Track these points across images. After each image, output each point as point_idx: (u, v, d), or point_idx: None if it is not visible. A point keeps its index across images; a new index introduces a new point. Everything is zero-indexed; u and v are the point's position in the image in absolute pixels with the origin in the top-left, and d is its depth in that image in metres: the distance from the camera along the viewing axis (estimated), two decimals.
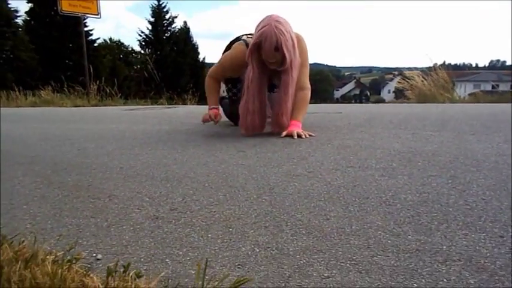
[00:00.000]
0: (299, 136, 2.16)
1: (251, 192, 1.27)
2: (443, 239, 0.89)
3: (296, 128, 2.23)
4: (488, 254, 0.81)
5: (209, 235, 0.96)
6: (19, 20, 26.32)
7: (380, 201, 1.13)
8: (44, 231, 1.03)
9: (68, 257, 0.78)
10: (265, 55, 2.11)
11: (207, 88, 2.54)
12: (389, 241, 0.89)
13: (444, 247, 0.85)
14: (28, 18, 27.08)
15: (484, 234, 0.90)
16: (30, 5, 26.94)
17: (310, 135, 2.19)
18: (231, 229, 0.99)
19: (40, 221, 1.10)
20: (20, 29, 25.58)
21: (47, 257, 0.76)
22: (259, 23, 2.14)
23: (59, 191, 1.37)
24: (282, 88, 2.23)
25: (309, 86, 2.36)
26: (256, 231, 0.97)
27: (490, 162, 1.51)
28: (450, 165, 1.49)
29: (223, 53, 2.55)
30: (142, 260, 0.85)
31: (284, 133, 2.21)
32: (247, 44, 2.28)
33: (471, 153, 1.68)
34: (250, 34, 2.39)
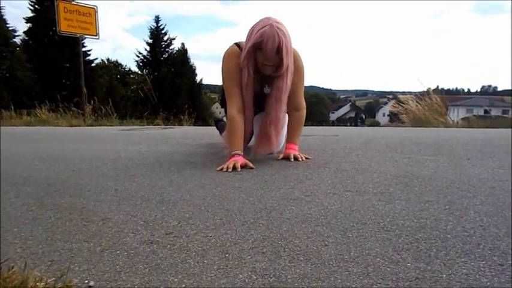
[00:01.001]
0: (296, 159, 2.12)
1: (248, 216, 1.25)
2: (443, 266, 0.87)
3: (293, 150, 2.18)
4: (488, 283, 0.80)
5: (205, 261, 0.94)
6: (17, 40, 26.53)
7: (378, 227, 1.12)
8: (34, 255, 1.00)
9: (60, 284, 0.76)
10: (265, 57, 1.95)
11: (231, 128, 2.11)
12: (388, 269, 0.87)
13: (444, 275, 0.83)
14: (26, 38, 27.29)
15: (483, 262, 0.89)
16: (28, 24, 27.22)
17: (307, 158, 2.16)
18: (227, 255, 0.97)
19: (31, 245, 1.07)
20: (17, 49, 25.74)
21: (37, 284, 0.74)
22: (256, 25, 1.99)
23: (52, 214, 1.35)
24: (273, 94, 2.06)
25: (304, 105, 2.26)
26: (253, 257, 0.95)
27: (486, 188, 1.50)
28: (447, 191, 1.48)
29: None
30: (136, 287, 0.83)
31: (280, 156, 2.17)
32: (238, 46, 2.12)
33: (467, 178, 1.68)
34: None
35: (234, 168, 1.94)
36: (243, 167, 1.98)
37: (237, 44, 2.15)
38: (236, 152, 2.05)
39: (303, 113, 2.25)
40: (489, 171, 1.80)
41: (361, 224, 1.15)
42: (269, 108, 2.09)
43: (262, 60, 1.97)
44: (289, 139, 2.23)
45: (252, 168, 1.97)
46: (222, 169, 1.96)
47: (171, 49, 35.93)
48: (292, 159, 2.11)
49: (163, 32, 35.50)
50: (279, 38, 1.90)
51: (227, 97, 2.16)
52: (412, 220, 1.17)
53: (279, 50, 1.92)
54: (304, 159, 2.14)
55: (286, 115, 2.29)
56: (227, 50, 2.16)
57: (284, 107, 2.11)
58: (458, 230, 1.08)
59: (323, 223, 1.17)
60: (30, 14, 27.21)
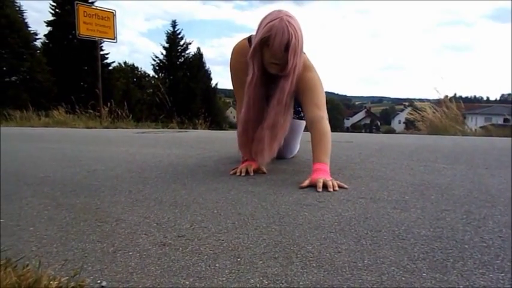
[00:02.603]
0: (325, 187, 1.61)
1: (260, 220, 1.24)
2: (460, 277, 0.85)
3: (322, 174, 1.69)
4: None
5: (217, 264, 0.93)
6: (38, 43, 27.15)
7: (393, 235, 1.10)
8: (49, 254, 1.01)
9: (72, 284, 0.76)
10: (272, 53, 1.74)
11: (241, 135, 1.98)
12: (403, 278, 0.85)
13: (461, 287, 0.81)
14: (47, 41, 27.92)
15: (502, 275, 0.86)
16: (49, 28, 27.84)
17: (341, 187, 1.64)
18: (239, 259, 0.96)
19: (46, 244, 1.08)
20: (38, 51, 26.33)
21: (51, 282, 0.74)
22: (265, 18, 1.78)
23: (67, 213, 1.36)
24: (276, 95, 1.83)
25: (325, 115, 1.88)
26: (265, 263, 0.94)
27: (506, 198, 1.47)
28: (464, 200, 1.45)
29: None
30: None
31: (306, 182, 1.67)
32: (249, 40, 1.93)
33: (485, 187, 1.64)
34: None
35: (247, 172, 1.92)
36: (256, 171, 1.95)
37: (249, 39, 1.95)
38: (250, 157, 1.98)
39: (325, 123, 1.86)
40: (508, 181, 1.75)
41: (375, 231, 1.13)
42: (269, 110, 1.86)
43: (269, 57, 1.77)
44: (316, 158, 1.77)
45: (264, 172, 1.94)
46: (235, 173, 1.93)
47: (187, 53, 36.30)
48: (320, 189, 1.59)
49: (179, 36, 35.94)
50: (289, 33, 1.70)
51: (236, 99, 2.07)
52: (428, 229, 1.14)
53: (287, 47, 1.72)
54: (336, 188, 1.61)
55: (300, 122, 2.23)
56: (236, 45, 2.01)
57: (288, 110, 1.87)
58: (476, 241, 1.05)
59: (336, 230, 1.15)
60: (51, 18, 27.84)
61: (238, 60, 1.96)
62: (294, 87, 1.84)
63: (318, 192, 1.57)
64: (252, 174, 1.91)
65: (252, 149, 1.93)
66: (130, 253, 1.01)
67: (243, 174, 1.90)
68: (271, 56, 1.76)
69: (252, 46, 1.81)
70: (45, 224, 1.26)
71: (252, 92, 1.85)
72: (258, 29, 1.79)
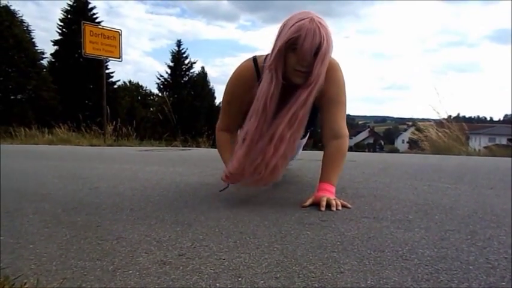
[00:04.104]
0: (329, 207, 1.56)
1: (262, 239, 1.23)
2: None
3: (327, 193, 1.62)
4: None
5: (217, 284, 0.92)
6: (44, 61, 27.59)
7: (396, 256, 1.08)
8: (48, 272, 1.00)
9: None
10: (300, 58, 1.50)
11: (218, 146, 1.95)
12: None
13: None
14: (53, 60, 28.36)
15: None
16: (56, 47, 28.31)
17: (345, 207, 1.60)
18: (240, 278, 0.95)
19: (45, 262, 1.07)
20: (44, 70, 26.73)
21: None
22: (290, 18, 1.54)
23: (67, 231, 1.35)
24: (290, 107, 1.57)
25: (346, 132, 1.73)
26: (266, 282, 0.92)
27: (511, 219, 1.45)
28: (469, 220, 1.43)
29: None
30: None
31: (309, 200, 1.62)
32: (255, 61, 1.74)
33: (490, 208, 1.62)
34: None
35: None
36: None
37: (254, 59, 1.75)
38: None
39: (345, 141, 1.72)
40: None
41: (378, 251, 1.12)
42: (277, 121, 1.58)
43: (294, 63, 1.52)
44: (324, 177, 1.66)
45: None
46: (225, 181, 1.74)
47: (192, 72, 36.69)
48: (323, 208, 1.54)
49: (184, 55, 36.37)
50: (321, 35, 1.47)
51: (222, 118, 1.89)
52: (432, 249, 1.13)
53: (317, 52, 1.49)
54: (339, 208, 1.57)
55: (301, 141, 2.06)
56: (240, 66, 1.78)
57: (298, 127, 1.60)
58: (481, 262, 1.04)
59: (339, 249, 1.14)
60: (58, 37, 28.34)
61: (241, 85, 1.75)
62: (313, 98, 1.58)
63: (321, 211, 1.55)
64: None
65: (245, 166, 1.62)
66: (130, 272, 1.00)
67: (226, 181, 1.73)
68: (298, 62, 1.51)
69: (275, 50, 1.53)
70: (45, 241, 1.25)
71: (269, 105, 1.57)
72: (281, 32, 1.55)
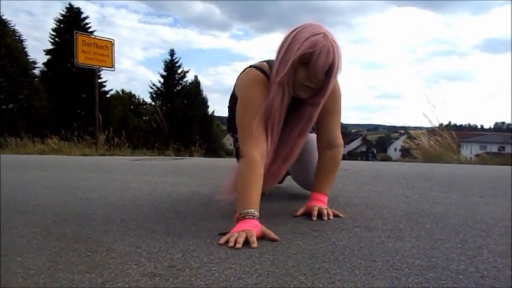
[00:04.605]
0: (320, 216, 1.55)
1: (253, 250, 1.22)
2: None
3: (319, 203, 1.62)
4: None
5: None
6: (36, 71, 27.50)
7: (387, 265, 1.08)
8: (35, 285, 0.99)
9: None
10: (311, 75, 1.43)
11: (245, 172, 1.46)
12: None
13: None
14: (45, 69, 28.26)
15: None
16: (48, 56, 28.24)
17: (336, 216, 1.60)
18: None
19: (33, 275, 1.06)
20: (36, 79, 26.63)
21: None
22: (302, 31, 1.45)
23: (57, 243, 1.34)
24: (299, 124, 1.57)
25: (341, 142, 1.73)
26: None
27: (501, 227, 1.46)
28: (459, 229, 1.44)
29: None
30: None
31: (301, 210, 1.62)
32: (262, 71, 1.59)
33: (480, 216, 1.63)
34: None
35: (246, 241, 1.26)
36: (261, 238, 1.31)
37: (256, 67, 1.61)
38: (250, 211, 1.37)
39: (340, 151, 1.72)
40: (503, 210, 1.75)
41: (369, 261, 1.12)
42: (286, 140, 1.58)
43: (304, 78, 1.45)
44: (317, 187, 1.66)
45: (275, 239, 1.31)
46: (228, 243, 1.27)
47: (185, 81, 36.73)
48: (315, 218, 1.54)
49: (177, 65, 36.42)
50: (334, 54, 1.42)
51: (244, 132, 1.53)
52: (422, 259, 1.13)
53: (329, 70, 1.45)
54: (331, 216, 1.58)
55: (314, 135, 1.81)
56: (250, 74, 1.61)
57: (304, 141, 1.64)
58: (471, 271, 1.04)
59: (330, 259, 1.14)
60: (50, 47, 28.28)
61: (258, 90, 1.55)
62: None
63: (313, 220, 1.55)
64: (255, 245, 1.24)
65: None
66: (119, 284, 0.99)
67: (239, 246, 1.23)
68: (307, 78, 1.44)
69: (289, 63, 1.44)
70: (34, 254, 1.24)
71: (277, 119, 1.51)
72: (290, 44, 1.46)
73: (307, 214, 1.60)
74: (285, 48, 1.47)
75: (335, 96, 1.66)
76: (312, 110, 1.55)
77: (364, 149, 71.67)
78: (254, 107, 1.52)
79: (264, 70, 1.59)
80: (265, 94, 1.53)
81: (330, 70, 1.44)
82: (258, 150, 1.48)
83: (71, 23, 26.42)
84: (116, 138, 8.79)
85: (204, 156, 7.84)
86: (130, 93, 38.68)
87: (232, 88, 1.78)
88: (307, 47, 1.40)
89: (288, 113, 1.56)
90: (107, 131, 9.03)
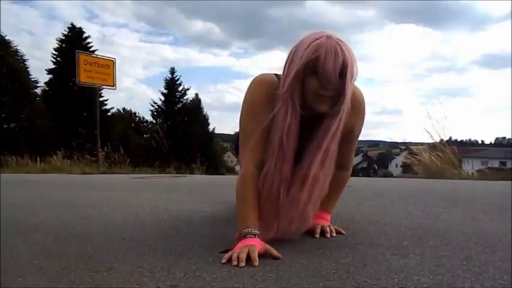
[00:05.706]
0: (323, 234, 1.54)
1: (256, 269, 1.21)
2: None
3: (322, 220, 1.60)
4: None
5: None
6: (38, 90, 27.72)
7: (392, 283, 1.07)
8: None
9: None
10: (323, 81, 1.27)
11: (241, 188, 1.40)
12: None
13: None
14: (47, 88, 28.47)
15: None
16: (49, 76, 28.48)
17: (339, 233, 1.59)
18: None
19: None
20: (38, 98, 26.80)
21: None
22: (302, 41, 1.32)
23: (57, 263, 1.32)
24: (317, 138, 1.35)
25: (352, 163, 1.69)
26: None
27: (506, 243, 1.45)
28: (463, 245, 1.43)
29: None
30: None
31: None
32: (276, 75, 1.46)
33: (485, 232, 1.62)
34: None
35: (249, 259, 1.23)
36: (262, 255, 1.28)
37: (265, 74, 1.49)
38: (249, 230, 1.33)
39: (349, 174, 1.67)
40: (507, 226, 1.73)
41: (374, 279, 1.10)
42: (305, 159, 1.37)
43: (316, 87, 1.29)
44: (321, 205, 1.53)
45: (278, 257, 1.28)
46: (231, 261, 1.24)
47: (185, 99, 36.92)
48: (318, 235, 1.53)
49: (178, 82, 36.68)
50: (343, 52, 1.27)
51: (242, 141, 1.45)
52: (428, 276, 1.12)
53: (342, 72, 1.27)
54: (334, 234, 1.57)
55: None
56: (257, 77, 1.49)
57: (331, 161, 1.40)
58: None
59: (334, 277, 1.12)
60: (52, 66, 28.55)
61: (262, 91, 1.42)
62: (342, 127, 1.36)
63: (316, 238, 1.54)
64: (256, 263, 1.22)
65: (276, 218, 1.41)
66: None
67: (242, 263, 1.21)
68: (320, 86, 1.28)
69: (291, 76, 1.30)
70: (34, 274, 1.22)
71: (287, 142, 1.33)
72: (293, 57, 1.33)
73: (311, 232, 1.58)
74: (289, 61, 1.36)
75: (362, 121, 1.53)
76: (336, 124, 1.33)
77: (365, 165, 71.49)
78: (255, 107, 1.42)
79: (273, 74, 1.47)
80: (271, 95, 1.38)
81: (343, 71, 1.27)
82: (254, 161, 1.38)
83: (73, 43, 26.72)
84: (117, 154, 8.81)
85: (205, 173, 7.83)
86: (131, 111, 38.90)
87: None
88: (310, 52, 1.27)
89: (306, 131, 1.38)
90: (106, 148, 9.06)
